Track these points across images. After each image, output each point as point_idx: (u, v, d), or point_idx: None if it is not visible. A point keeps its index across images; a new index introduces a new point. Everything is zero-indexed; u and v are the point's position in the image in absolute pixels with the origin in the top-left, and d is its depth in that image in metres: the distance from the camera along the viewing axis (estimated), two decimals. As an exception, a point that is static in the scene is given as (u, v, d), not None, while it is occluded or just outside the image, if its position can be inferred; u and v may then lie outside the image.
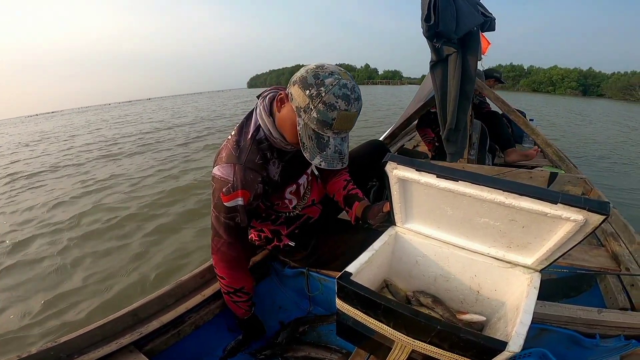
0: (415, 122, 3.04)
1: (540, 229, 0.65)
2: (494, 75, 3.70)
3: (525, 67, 59.68)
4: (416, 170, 0.71)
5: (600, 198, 1.61)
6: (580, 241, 0.63)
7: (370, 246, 0.85)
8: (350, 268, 0.76)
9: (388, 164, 0.74)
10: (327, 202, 1.23)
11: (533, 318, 0.97)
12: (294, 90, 0.80)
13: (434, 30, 1.29)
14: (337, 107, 0.76)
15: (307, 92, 0.77)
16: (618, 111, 16.75)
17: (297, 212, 1.12)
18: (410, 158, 0.73)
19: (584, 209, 0.56)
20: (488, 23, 1.58)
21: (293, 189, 1.06)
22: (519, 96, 31.77)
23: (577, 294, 1.15)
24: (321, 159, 0.82)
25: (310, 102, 0.77)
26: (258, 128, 0.91)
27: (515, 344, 0.57)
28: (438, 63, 1.58)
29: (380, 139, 2.22)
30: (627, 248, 1.24)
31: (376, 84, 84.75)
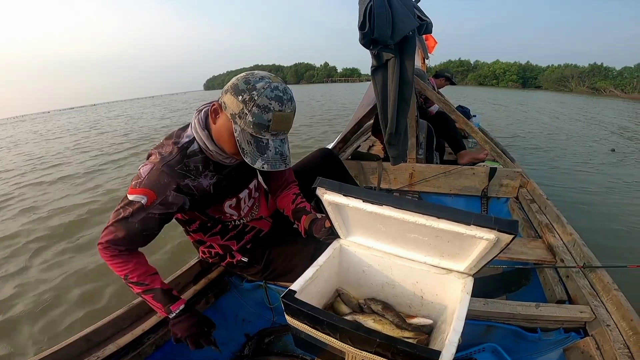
0: (369, 123, 3.09)
1: (463, 244, 0.71)
2: (444, 75, 3.83)
3: (472, 62, 63.73)
4: (344, 195, 0.76)
5: (534, 190, 1.70)
6: (498, 254, 0.68)
7: (315, 262, 0.87)
8: (294, 286, 0.78)
9: (317, 189, 0.79)
10: (278, 215, 1.23)
11: (479, 316, 1.00)
12: (227, 99, 0.80)
13: (369, 37, 1.27)
14: (271, 108, 0.77)
15: (240, 97, 0.77)
16: (552, 102, 18.28)
17: (244, 222, 1.11)
18: (338, 183, 0.78)
19: (494, 229, 0.61)
20: (424, 27, 1.58)
21: (233, 203, 1.04)
22: (468, 90, 33.75)
23: (517, 288, 1.19)
24: (263, 162, 0.81)
25: (245, 107, 0.77)
26: (192, 141, 0.89)
27: (448, 353, 0.59)
28: (378, 68, 1.60)
29: (332, 144, 2.21)
30: (561, 239, 1.29)
31: (335, 81, 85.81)
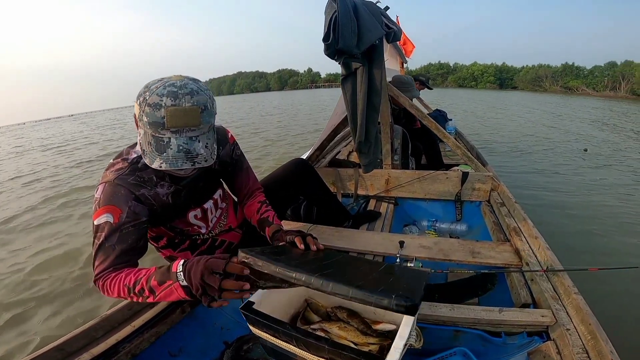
0: (345, 130, 3.10)
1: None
2: (419, 79, 3.90)
3: (452, 65, 65.28)
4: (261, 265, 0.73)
5: (504, 193, 1.75)
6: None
7: None
8: (253, 297, 0.82)
9: (239, 251, 0.76)
10: (248, 224, 1.23)
11: (446, 321, 1.03)
12: (135, 107, 0.80)
13: (333, 48, 1.27)
14: (163, 104, 0.75)
15: (138, 101, 0.78)
16: (527, 102, 18.85)
17: (213, 235, 1.12)
18: (259, 249, 0.79)
19: (392, 309, 0.63)
20: (392, 35, 1.59)
21: (198, 214, 1.04)
22: (449, 92, 34.49)
23: (484, 293, 1.21)
24: (161, 161, 0.77)
25: (140, 109, 0.77)
26: (141, 155, 0.88)
27: (392, 358, 0.61)
28: (348, 77, 1.61)
29: (308, 153, 2.21)
30: (528, 243, 1.32)
31: (319, 87, 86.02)
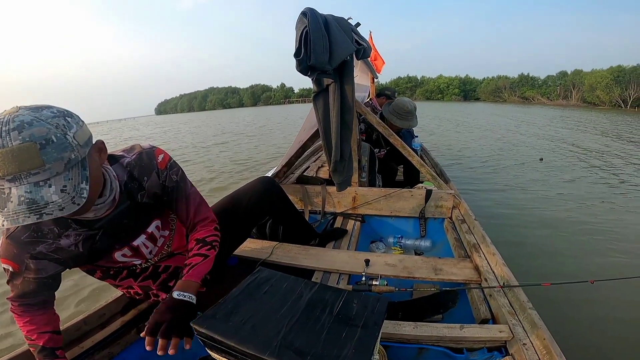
0: (314, 146, 3.13)
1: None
2: (385, 94, 3.99)
3: (419, 78, 67.95)
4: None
5: (465, 210, 1.81)
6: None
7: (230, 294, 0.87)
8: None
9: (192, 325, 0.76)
10: None
11: (410, 340, 1.03)
12: None
13: (305, 63, 1.27)
14: None
15: None
16: (488, 113, 19.84)
17: (155, 263, 1.04)
18: (212, 311, 0.78)
19: None
20: (362, 51, 1.57)
21: (127, 252, 0.96)
22: (417, 105, 35.83)
23: (445, 310, 1.23)
24: (3, 219, 0.62)
25: None
26: None
27: None
28: (320, 94, 1.58)
29: (274, 169, 2.19)
30: (486, 259, 1.37)
31: (292, 102, 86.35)
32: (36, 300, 0.83)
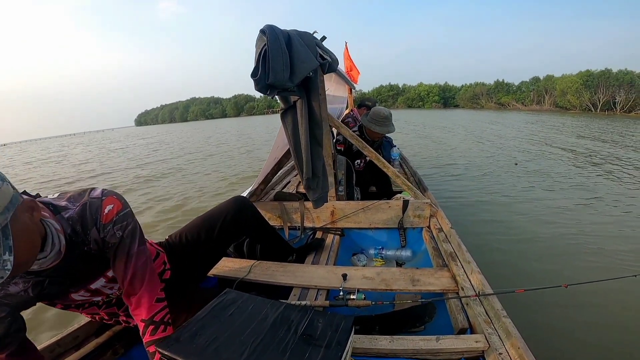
0: (290, 164, 3.13)
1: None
2: (365, 104, 4.04)
3: (401, 86, 69.37)
4: None
5: (442, 219, 1.83)
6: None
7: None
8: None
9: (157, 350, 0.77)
10: (176, 261, 1.17)
11: (387, 354, 1.02)
12: None
13: (264, 82, 1.23)
14: None
15: None
16: (466, 121, 20.38)
17: (115, 297, 1.01)
18: (175, 335, 0.79)
19: None
20: (327, 66, 1.55)
21: (85, 293, 0.92)
22: (399, 113, 36.43)
23: (422, 324, 1.23)
24: None
25: None
26: None
27: None
28: (287, 111, 1.58)
29: (250, 188, 2.17)
30: (462, 267, 1.38)
31: (276, 112, 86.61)
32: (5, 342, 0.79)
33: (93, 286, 0.92)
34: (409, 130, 14.79)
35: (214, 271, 1.53)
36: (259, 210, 1.53)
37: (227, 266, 1.58)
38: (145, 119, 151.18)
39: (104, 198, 0.84)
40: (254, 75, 1.26)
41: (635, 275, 1.24)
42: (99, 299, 0.97)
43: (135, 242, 0.90)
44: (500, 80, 53.38)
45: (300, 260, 1.67)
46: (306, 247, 1.76)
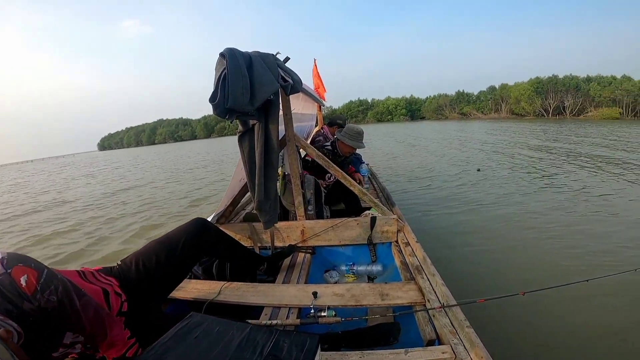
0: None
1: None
2: (337, 123, 4.13)
3: (370, 101, 71.15)
4: None
5: (408, 233, 1.88)
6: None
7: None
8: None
9: None
10: (131, 288, 1.12)
11: None
12: None
13: (222, 106, 1.23)
14: None
15: None
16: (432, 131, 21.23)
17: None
18: None
19: None
20: (289, 87, 1.57)
21: (63, 349, 0.88)
22: (369, 128, 37.23)
23: (386, 343, 1.24)
24: None
25: None
26: None
27: None
28: (245, 134, 1.58)
29: (215, 213, 2.13)
30: (428, 280, 1.42)
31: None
32: None
33: (66, 341, 0.88)
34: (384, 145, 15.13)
35: (182, 294, 1.50)
36: (228, 232, 1.52)
37: (195, 288, 1.55)
38: (109, 142, 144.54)
39: (9, 271, 0.74)
40: (212, 99, 1.25)
41: (587, 280, 1.32)
42: (78, 346, 0.92)
43: (74, 299, 0.84)
44: (461, 90, 56.24)
45: (271, 269, 1.67)
46: (277, 255, 1.76)
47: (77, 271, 1.05)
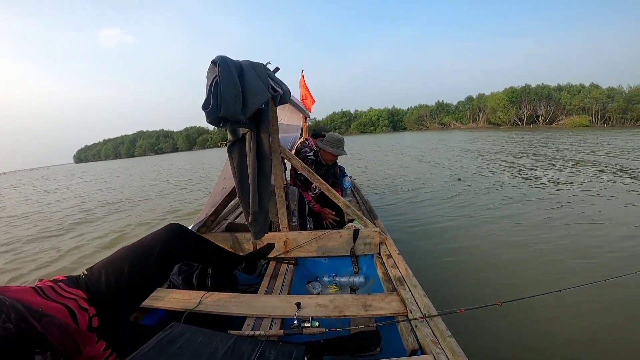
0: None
1: None
2: (321, 134, 4.17)
3: (353, 112, 72.00)
4: None
5: (390, 245, 1.91)
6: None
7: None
8: None
9: None
10: (100, 301, 1.04)
11: None
12: None
13: (215, 115, 1.21)
14: None
15: None
16: (414, 140, 21.62)
17: None
18: None
19: None
20: (278, 98, 1.56)
21: None
22: (353, 139, 37.52)
23: (367, 351, 1.25)
24: None
25: None
26: None
27: None
28: (235, 143, 1.56)
29: (197, 221, 2.10)
30: (410, 291, 1.44)
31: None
32: None
33: None
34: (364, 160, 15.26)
35: (160, 304, 1.46)
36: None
37: (175, 298, 1.52)
38: (85, 155, 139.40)
39: None
40: (205, 107, 1.23)
41: (560, 290, 1.37)
42: None
43: (32, 323, 0.78)
44: (441, 101, 57.79)
45: (250, 267, 1.66)
46: (255, 253, 1.74)
47: (34, 287, 0.96)
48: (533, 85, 43.14)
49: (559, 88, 42.24)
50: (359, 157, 15.16)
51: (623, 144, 13.14)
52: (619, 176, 6.64)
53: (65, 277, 1.07)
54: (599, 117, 37.63)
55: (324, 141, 2.85)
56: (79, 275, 1.11)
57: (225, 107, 1.21)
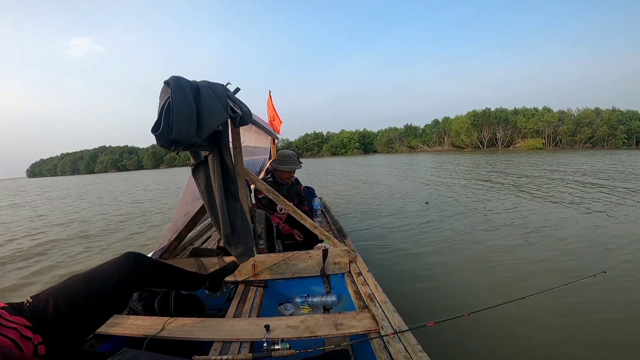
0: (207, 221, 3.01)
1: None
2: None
3: (325, 134, 73.05)
4: None
5: (360, 264, 1.92)
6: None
7: None
8: None
9: None
10: (47, 328, 0.98)
11: None
12: None
13: (166, 137, 1.16)
14: None
15: None
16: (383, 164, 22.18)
17: None
18: None
19: None
20: (238, 119, 1.50)
21: None
22: (324, 161, 37.76)
23: None
24: None
25: None
26: None
27: None
28: (199, 166, 1.50)
29: (157, 248, 2.00)
30: (381, 307, 1.43)
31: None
32: None
33: None
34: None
35: (119, 330, 1.38)
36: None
37: (135, 324, 1.42)
38: (40, 169, 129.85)
39: None
40: (154, 130, 1.17)
41: (524, 298, 1.41)
42: None
43: None
44: (409, 124, 60.06)
45: (214, 285, 1.60)
46: (219, 272, 1.66)
47: None
48: (493, 109, 46.02)
49: (516, 112, 45.13)
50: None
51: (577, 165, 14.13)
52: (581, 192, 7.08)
53: (7, 304, 1.00)
54: (551, 139, 40.68)
55: (276, 161, 2.87)
56: (22, 302, 1.03)
57: (178, 129, 1.16)
